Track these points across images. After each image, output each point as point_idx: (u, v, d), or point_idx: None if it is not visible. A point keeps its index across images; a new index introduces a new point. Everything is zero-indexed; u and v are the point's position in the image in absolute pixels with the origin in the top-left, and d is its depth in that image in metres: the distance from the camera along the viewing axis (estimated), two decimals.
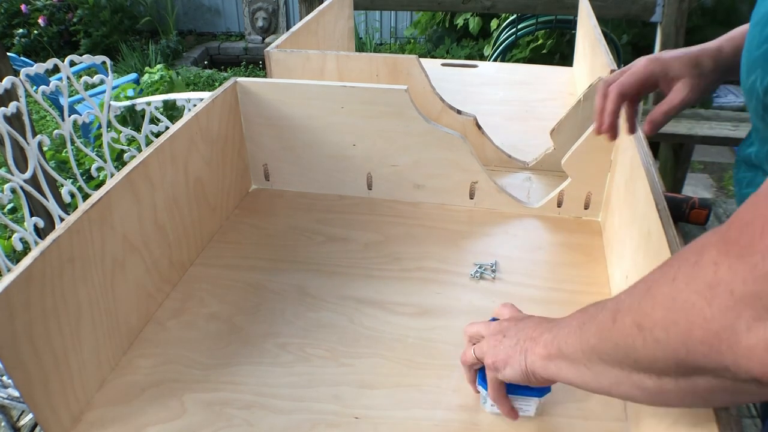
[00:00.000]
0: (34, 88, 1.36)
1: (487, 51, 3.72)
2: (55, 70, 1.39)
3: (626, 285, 0.68)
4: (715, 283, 0.31)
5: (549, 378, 0.49)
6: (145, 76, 3.28)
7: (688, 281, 0.33)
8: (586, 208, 0.90)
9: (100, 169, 1.53)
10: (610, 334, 0.40)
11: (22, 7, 4.84)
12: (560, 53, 3.42)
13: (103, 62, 1.52)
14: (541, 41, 3.43)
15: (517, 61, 3.50)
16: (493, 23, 3.84)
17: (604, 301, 0.43)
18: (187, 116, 0.81)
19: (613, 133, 0.70)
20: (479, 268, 0.81)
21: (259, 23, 5.11)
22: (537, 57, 3.46)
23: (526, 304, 0.75)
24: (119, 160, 2.20)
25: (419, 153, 0.91)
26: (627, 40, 3.25)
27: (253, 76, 3.85)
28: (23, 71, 1.31)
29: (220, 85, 0.90)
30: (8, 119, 1.27)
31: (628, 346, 0.38)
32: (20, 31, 4.86)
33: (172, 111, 2.16)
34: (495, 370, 0.54)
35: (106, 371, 0.65)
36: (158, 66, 3.43)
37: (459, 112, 1.07)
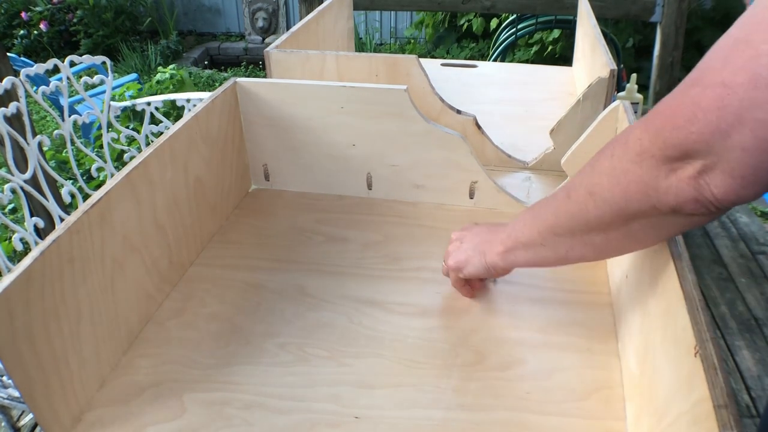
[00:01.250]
0: (34, 88, 1.37)
1: (488, 52, 3.72)
2: (55, 70, 1.39)
3: (626, 285, 0.69)
4: (641, 152, 0.46)
5: (509, 266, 0.66)
6: (158, 75, 3.29)
7: (622, 155, 0.49)
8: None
9: (100, 169, 1.53)
10: (566, 208, 0.55)
11: (23, 14, 4.84)
12: (558, 54, 3.42)
13: (103, 62, 1.52)
14: (550, 47, 3.42)
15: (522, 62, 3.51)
16: (493, 22, 3.84)
17: (551, 195, 0.58)
18: (187, 116, 0.81)
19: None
20: None
21: (259, 23, 5.11)
22: (540, 60, 3.46)
23: (526, 304, 0.75)
24: (119, 161, 2.20)
25: (419, 153, 0.91)
26: (632, 43, 3.26)
27: (253, 77, 3.85)
28: (23, 71, 1.31)
29: (220, 85, 0.90)
30: (8, 119, 1.27)
31: (581, 212, 0.53)
32: (21, 32, 4.86)
33: (176, 110, 2.16)
34: (457, 270, 0.70)
35: (106, 371, 0.65)
36: (171, 66, 3.46)
37: (459, 112, 1.08)
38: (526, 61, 3.50)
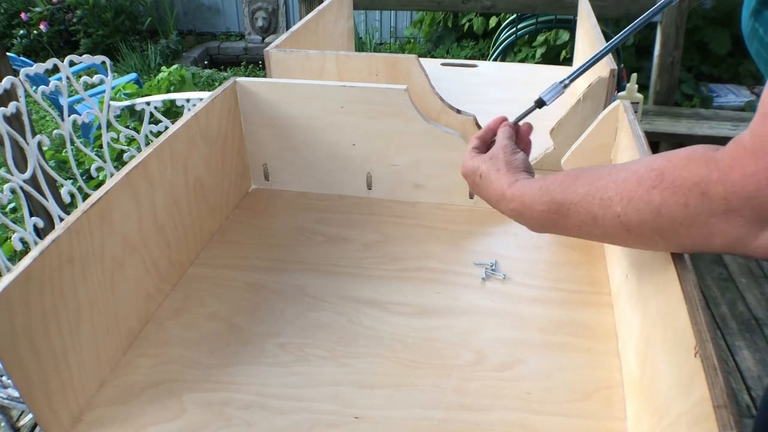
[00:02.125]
0: (34, 88, 1.36)
1: (488, 51, 3.72)
2: (55, 70, 1.39)
3: (626, 285, 0.68)
4: (730, 210, 0.43)
5: (516, 193, 0.61)
6: (160, 74, 3.29)
7: (704, 209, 0.44)
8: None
9: (99, 169, 1.53)
10: (627, 238, 0.51)
11: (22, 14, 4.84)
12: (563, 57, 3.41)
13: (103, 62, 1.52)
14: (556, 49, 3.41)
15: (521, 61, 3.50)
16: (492, 21, 3.84)
17: (587, 200, 0.53)
18: (186, 116, 0.81)
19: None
20: (491, 268, 0.80)
21: (259, 23, 5.11)
22: (546, 62, 3.45)
23: (526, 303, 0.75)
24: (119, 160, 2.20)
25: (419, 153, 0.91)
26: (632, 43, 3.25)
27: (253, 76, 3.86)
28: (23, 71, 1.31)
29: (219, 85, 0.90)
30: (8, 119, 1.27)
31: (649, 245, 0.51)
32: (21, 32, 4.86)
33: (175, 107, 2.16)
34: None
35: (105, 371, 0.65)
36: (175, 66, 3.47)
37: (459, 111, 1.07)
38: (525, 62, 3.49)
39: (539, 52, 3.45)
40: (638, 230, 0.49)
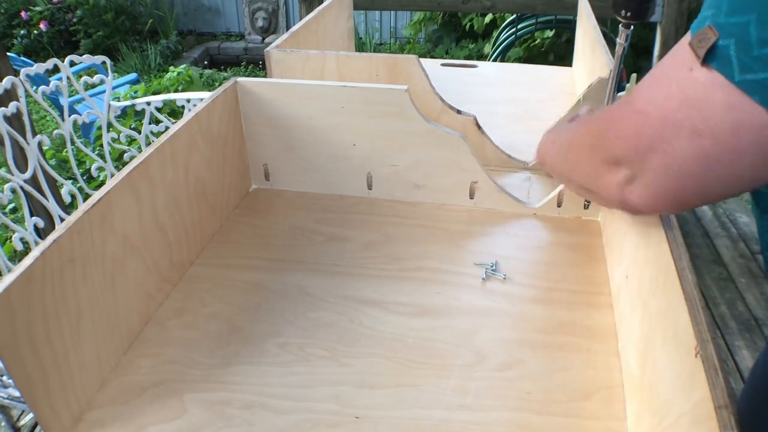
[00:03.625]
0: (34, 88, 1.37)
1: (487, 50, 3.72)
2: (55, 70, 1.39)
3: (626, 285, 0.69)
4: (593, 147, 0.56)
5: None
6: (168, 74, 3.31)
7: (584, 142, 0.59)
8: (585, 208, 0.90)
9: (100, 169, 1.53)
10: (557, 157, 0.69)
11: (22, 13, 4.84)
12: (555, 53, 3.41)
13: (103, 62, 1.52)
14: (538, 40, 3.42)
15: (516, 60, 3.50)
16: (488, 18, 3.84)
17: (566, 130, 0.68)
18: (187, 116, 0.81)
19: None
20: (491, 268, 0.80)
21: (259, 23, 5.11)
22: (533, 56, 3.46)
23: (526, 304, 0.75)
24: (119, 160, 2.20)
25: (419, 153, 0.91)
26: (634, 42, 3.25)
27: (253, 76, 3.86)
28: (23, 71, 1.31)
29: (220, 85, 0.90)
30: (8, 119, 1.27)
31: (562, 166, 0.67)
32: (21, 31, 4.86)
33: (174, 106, 2.16)
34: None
35: (106, 371, 0.65)
36: (183, 66, 3.48)
37: (459, 112, 1.08)
38: (518, 59, 3.49)
39: (524, 48, 3.45)
40: (564, 152, 0.65)
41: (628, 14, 0.71)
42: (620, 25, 0.74)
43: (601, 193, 0.56)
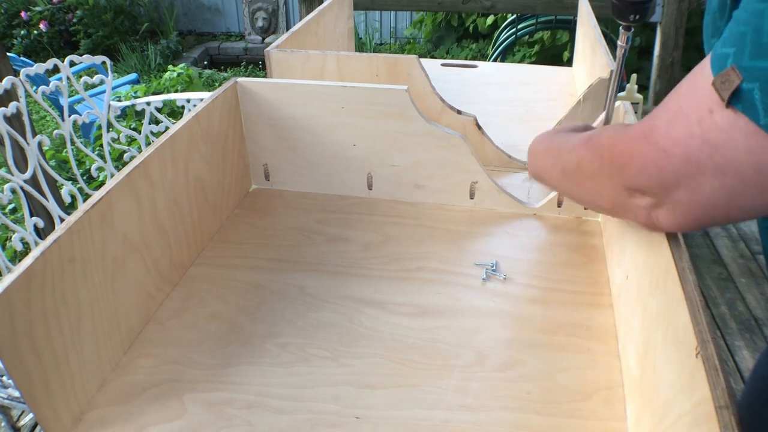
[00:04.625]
0: (34, 88, 1.37)
1: (488, 52, 3.72)
2: (55, 70, 1.39)
3: (626, 285, 0.69)
4: (611, 176, 0.55)
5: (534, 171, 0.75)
6: (167, 74, 3.31)
7: (597, 171, 0.57)
8: (586, 209, 0.90)
9: (100, 169, 1.53)
10: (562, 180, 0.66)
11: (22, 13, 4.84)
12: (554, 54, 3.41)
13: (103, 62, 1.52)
14: (542, 44, 3.42)
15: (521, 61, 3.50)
16: (489, 19, 3.84)
17: (563, 146, 0.66)
18: (187, 116, 0.81)
19: None
20: (491, 268, 0.80)
21: (259, 23, 5.11)
22: (538, 59, 3.45)
23: (526, 304, 0.75)
24: (119, 161, 2.20)
25: (419, 153, 0.91)
26: (638, 43, 3.25)
27: (253, 76, 3.86)
28: (23, 71, 1.31)
29: (220, 85, 0.90)
30: (8, 119, 1.27)
31: (571, 191, 0.66)
32: (21, 32, 4.86)
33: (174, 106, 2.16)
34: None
35: (106, 371, 0.65)
36: (182, 65, 3.48)
37: (459, 112, 1.07)
38: (528, 62, 3.49)
39: (535, 49, 3.45)
40: (569, 175, 0.63)
41: (636, 17, 0.71)
42: (620, 28, 0.74)
43: (625, 215, 0.57)
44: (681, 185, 0.47)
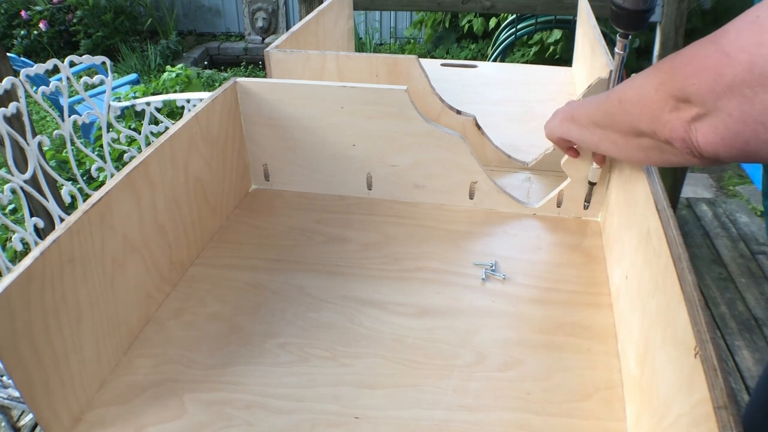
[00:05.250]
0: (34, 88, 1.37)
1: (488, 52, 3.72)
2: (55, 70, 1.39)
3: (626, 285, 0.69)
4: (663, 81, 0.52)
5: (563, 135, 0.76)
6: (165, 74, 3.31)
7: (651, 77, 0.55)
8: (585, 209, 0.90)
9: (100, 169, 1.53)
10: (605, 106, 0.64)
11: (22, 13, 4.84)
12: (559, 56, 3.41)
13: (103, 63, 1.52)
14: (551, 48, 3.41)
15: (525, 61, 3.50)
16: (492, 21, 3.84)
17: (606, 91, 0.66)
18: (187, 116, 0.81)
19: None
20: (490, 268, 0.80)
21: (259, 23, 5.12)
22: (540, 60, 3.45)
23: (526, 304, 0.75)
24: (119, 161, 2.20)
25: (419, 153, 0.91)
26: (638, 45, 3.25)
27: (253, 77, 3.86)
28: (23, 72, 1.31)
29: (219, 85, 0.90)
30: (8, 120, 1.27)
31: (611, 113, 0.63)
32: (21, 32, 4.86)
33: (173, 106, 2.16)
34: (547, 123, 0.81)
35: (106, 371, 0.65)
36: (180, 65, 3.48)
37: (459, 112, 1.08)
38: (525, 62, 3.49)
39: (533, 50, 3.45)
40: (614, 97, 0.62)
41: (636, 25, 0.71)
42: (618, 35, 0.75)
43: (661, 131, 0.54)
44: (736, 94, 0.45)
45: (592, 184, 0.87)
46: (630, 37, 0.75)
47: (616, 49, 0.77)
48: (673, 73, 0.51)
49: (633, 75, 0.60)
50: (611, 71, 0.87)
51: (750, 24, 0.44)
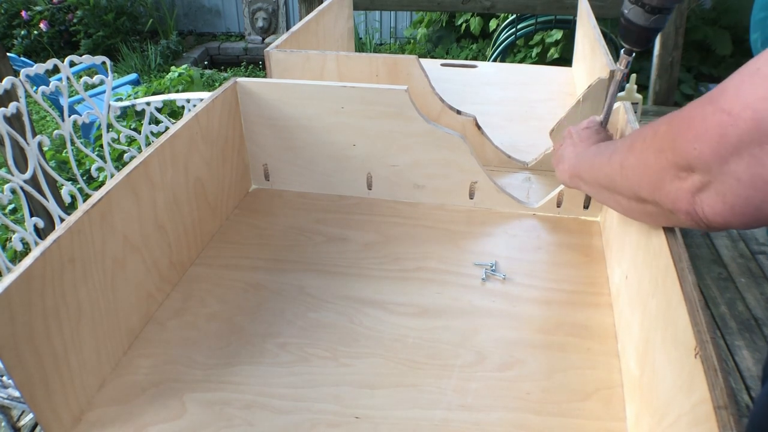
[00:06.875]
0: (34, 88, 1.37)
1: (488, 52, 3.72)
2: (55, 70, 1.39)
3: (626, 285, 0.69)
4: (663, 148, 0.49)
5: (574, 187, 0.74)
6: (169, 75, 3.31)
7: (650, 143, 0.52)
8: (585, 208, 0.90)
9: (100, 169, 1.53)
10: (607, 168, 0.61)
11: (23, 13, 4.84)
12: (560, 56, 3.41)
13: (103, 63, 1.52)
14: (551, 49, 3.41)
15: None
16: (492, 23, 3.84)
17: (611, 144, 0.64)
18: (187, 116, 0.81)
19: None
20: (491, 268, 0.80)
21: (259, 23, 5.11)
22: (541, 62, 3.45)
23: (526, 304, 0.75)
24: (119, 161, 2.20)
25: (419, 153, 0.91)
26: None
27: (253, 77, 3.86)
28: (23, 71, 1.31)
29: (219, 85, 0.90)
30: (8, 119, 1.27)
31: (614, 178, 0.59)
32: (21, 32, 4.86)
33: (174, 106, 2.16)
34: (556, 165, 0.80)
35: (106, 371, 0.65)
36: (184, 66, 3.48)
37: (459, 112, 1.08)
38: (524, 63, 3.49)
39: (535, 51, 3.45)
40: (615, 161, 0.59)
41: (651, 41, 0.70)
42: (622, 51, 0.73)
43: (663, 201, 0.50)
44: (743, 155, 0.41)
45: None
46: (634, 54, 0.74)
47: (619, 66, 0.76)
48: (671, 138, 0.47)
49: (638, 129, 0.58)
50: (612, 70, 0.87)
51: (750, 77, 0.41)
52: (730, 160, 0.41)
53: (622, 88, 0.84)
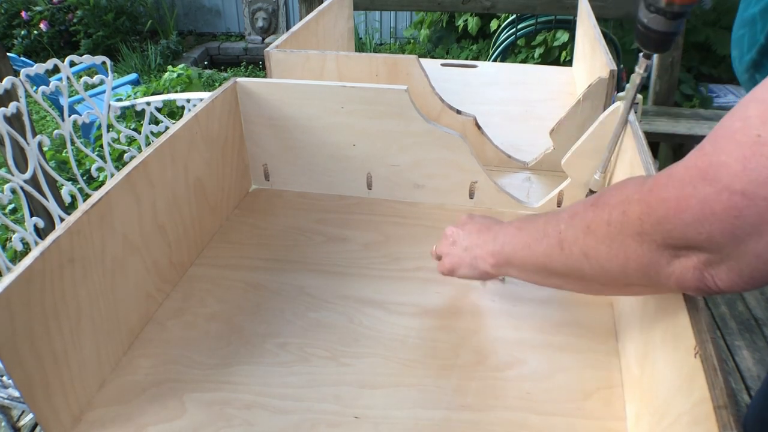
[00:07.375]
0: (34, 88, 1.37)
1: (488, 52, 3.72)
2: (55, 70, 1.39)
3: None
4: (642, 233, 0.45)
5: (501, 275, 0.68)
6: (167, 74, 3.31)
7: (620, 227, 0.47)
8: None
9: (100, 169, 1.53)
10: (560, 257, 0.54)
11: (23, 13, 4.84)
12: (564, 59, 3.41)
13: (103, 62, 1.52)
14: (556, 51, 3.40)
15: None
16: (493, 23, 3.84)
17: (542, 224, 0.57)
18: (187, 116, 0.81)
19: None
20: None
21: (259, 23, 5.11)
22: (544, 63, 3.45)
23: (526, 304, 0.75)
24: (119, 161, 2.20)
25: (419, 153, 0.91)
26: (636, 45, 3.24)
27: (253, 76, 3.85)
28: (23, 71, 1.31)
29: (220, 85, 0.90)
30: (8, 119, 1.27)
31: (577, 267, 0.53)
32: (21, 32, 4.86)
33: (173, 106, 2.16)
34: (451, 273, 0.70)
35: (106, 371, 0.65)
36: (181, 65, 3.48)
37: (459, 112, 1.08)
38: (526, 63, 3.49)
39: (538, 52, 3.45)
40: (569, 248, 0.52)
41: (671, 43, 0.69)
42: (641, 55, 0.72)
43: (664, 283, 0.47)
44: (763, 233, 0.38)
45: (592, 192, 0.87)
46: (654, 57, 0.72)
47: (638, 69, 0.74)
48: (654, 222, 0.44)
49: (582, 205, 0.53)
50: (611, 70, 0.87)
51: (753, 148, 0.37)
52: (748, 240, 0.39)
53: (622, 88, 0.83)
